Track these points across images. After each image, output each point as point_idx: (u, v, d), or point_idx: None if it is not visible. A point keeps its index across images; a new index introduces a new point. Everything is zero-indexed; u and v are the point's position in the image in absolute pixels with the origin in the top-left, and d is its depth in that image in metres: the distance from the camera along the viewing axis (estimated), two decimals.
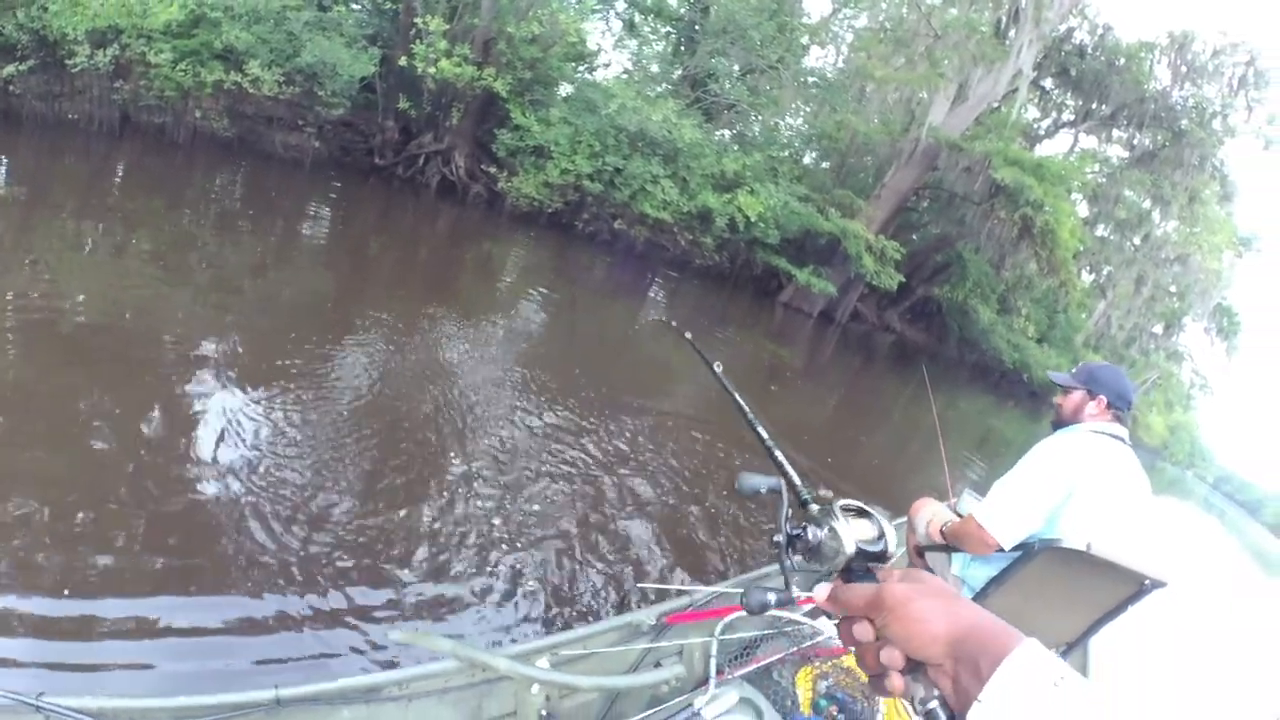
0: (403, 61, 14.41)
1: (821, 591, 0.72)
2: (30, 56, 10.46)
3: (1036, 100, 21.87)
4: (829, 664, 2.39)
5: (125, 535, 3.47)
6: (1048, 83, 21.26)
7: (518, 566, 4.18)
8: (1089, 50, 19.91)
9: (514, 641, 3.17)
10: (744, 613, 2.29)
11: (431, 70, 14.16)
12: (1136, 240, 22.60)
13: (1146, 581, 2.42)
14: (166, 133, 12.68)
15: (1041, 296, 24.64)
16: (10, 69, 10.25)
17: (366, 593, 3.59)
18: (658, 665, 2.53)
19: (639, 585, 4.45)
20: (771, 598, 0.82)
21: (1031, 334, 25.85)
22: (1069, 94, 21.33)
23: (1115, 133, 21.52)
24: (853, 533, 0.74)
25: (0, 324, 5.17)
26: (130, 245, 7.76)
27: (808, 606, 2.93)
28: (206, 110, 13.00)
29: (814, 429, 10.41)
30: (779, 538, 0.80)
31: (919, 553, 3.09)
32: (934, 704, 0.62)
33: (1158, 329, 27.76)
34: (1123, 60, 19.54)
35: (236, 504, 3.87)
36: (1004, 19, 17.81)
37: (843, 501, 0.78)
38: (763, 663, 2.42)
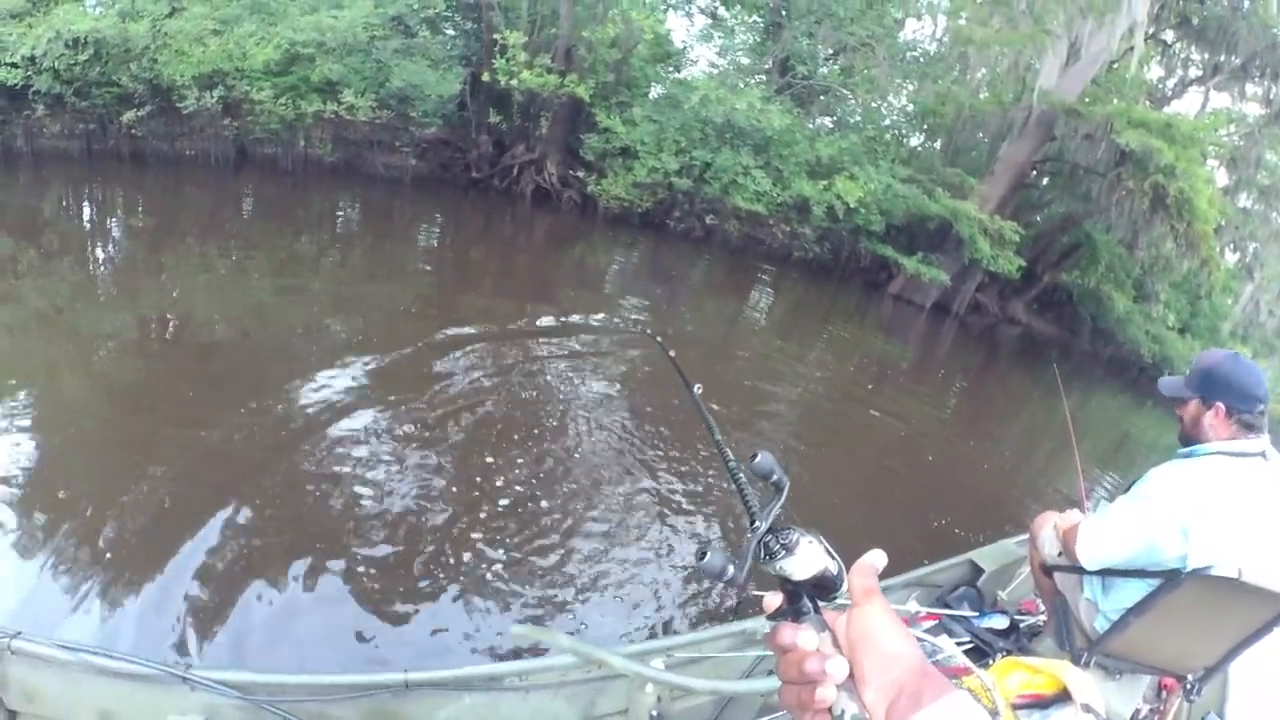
0: (485, 77, 14.99)
1: (772, 599, 0.75)
2: (147, 103, 11.74)
3: (1159, 56, 20.22)
4: (952, 682, 1.99)
5: (265, 523, 3.85)
6: (1168, 35, 19.58)
7: (636, 569, 4.31)
8: None
9: (631, 641, 3.38)
10: None
11: (514, 82, 14.67)
12: None
13: None
14: (278, 162, 13.75)
15: (1181, 280, 22.49)
16: (130, 114, 11.56)
17: (489, 588, 3.79)
18: (770, 673, 2.52)
19: (754, 592, 4.11)
20: (730, 570, 0.76)
21: (1172, 323, 23.62)
22: (1193, 46, 19.55)
23: (1249, 87, 19.54)
24: (823, 558, 0.74)
25: (142, 334, 5.81)
26: (249, 264, 8.50)
27: (927, 624, 3.10)
28: (311, 138, 14.09)
29: (925, 433, 9.78)
30: (760, 524, 0.78)
31: (1046, 572, 2.95)
32: None
33: None
34: (1247, 3, 17.73)
35: (370, 498, 4.22)
36: None
37: (818, 534, 0.78)
38: None
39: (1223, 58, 18.84)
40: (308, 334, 6.46)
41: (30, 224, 8.64)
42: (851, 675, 0.64)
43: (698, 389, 1.44)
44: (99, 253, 8.18)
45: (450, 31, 17.17)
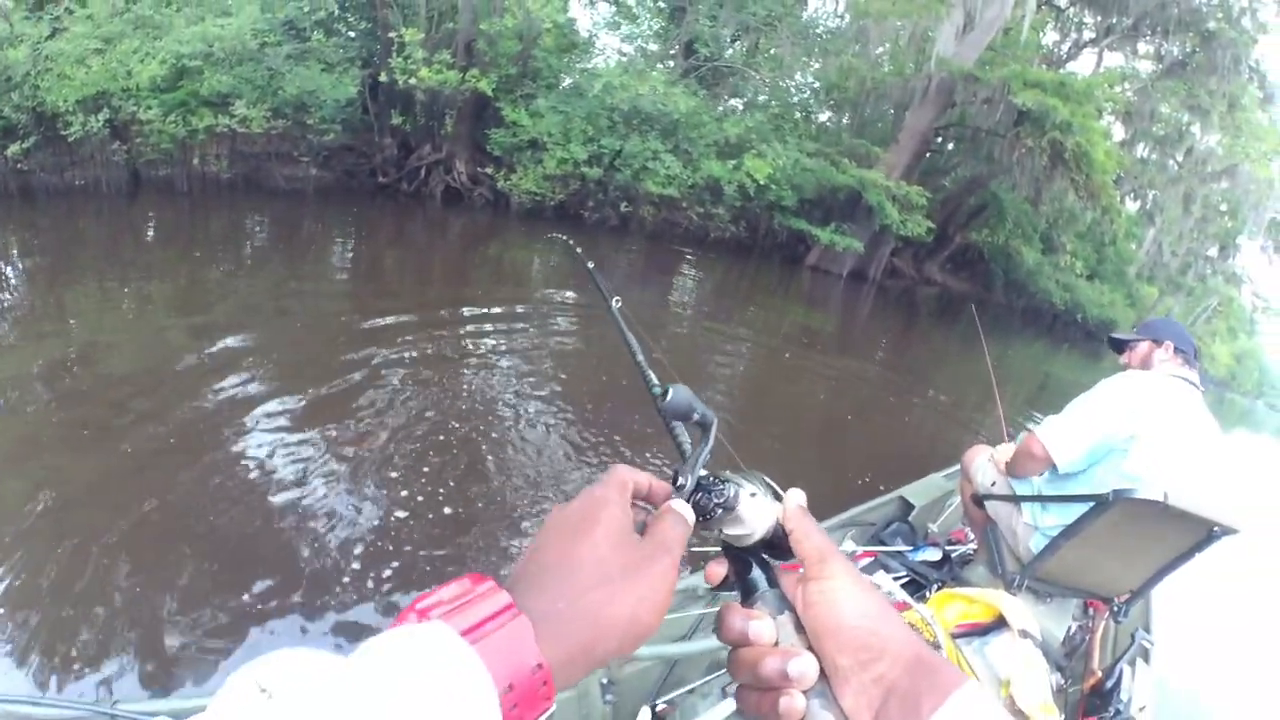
0: (382, 77, 14.81)
1: (715, 569, 0.62)
2: (31, 133, 11.17)
3: (1054, 21, 20.73)
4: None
5: (186, 553, 3.77)
6: (1062, 1, 19.99)
7: None
8: None
9: None
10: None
11: (413, 81, 14.52)
12: (1179, 157, 21.26)
13: (1215, 529, 2.37)
14: (173, 184, 13.28)
15: (1086, 230, 23.64)
16: (15, 148, 10.99)
17: (421, 582, 3.83)
18: (714, 631, 2.31)
19: (693, 550, 4.18)
20: (699, 415, 0.70)
21: (1080, 271, 24.59)
22: (1086, 10, 20.06)
23: (1141, 46, 20.32)
24: (772, 509, 0.61)
25: (46, 386, 5.57)
26: (153, 295, 8.24)
27: (864, 562, 3.03)
28: (206, 156, 13.62)
29: (850, 394, 10.15)
30: (685, 480, 0.62)
31: (976, 502, 3.09)
32: None
33: (1212, 252, 26.52)
34: None
35: (295, 517, 4.18)
36: None
37: (760, 474, 0.66)
38: None
39: (1115, 19, 19.39)
40: (221, 363, 6.28)
41: None
42: (823, 673, 0.50)
43: (616, 302, 1.29)
44: None
45: (350, 34, 16.84)
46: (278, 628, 3.40)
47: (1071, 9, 20.55)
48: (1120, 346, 3.05)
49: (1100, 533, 2.46)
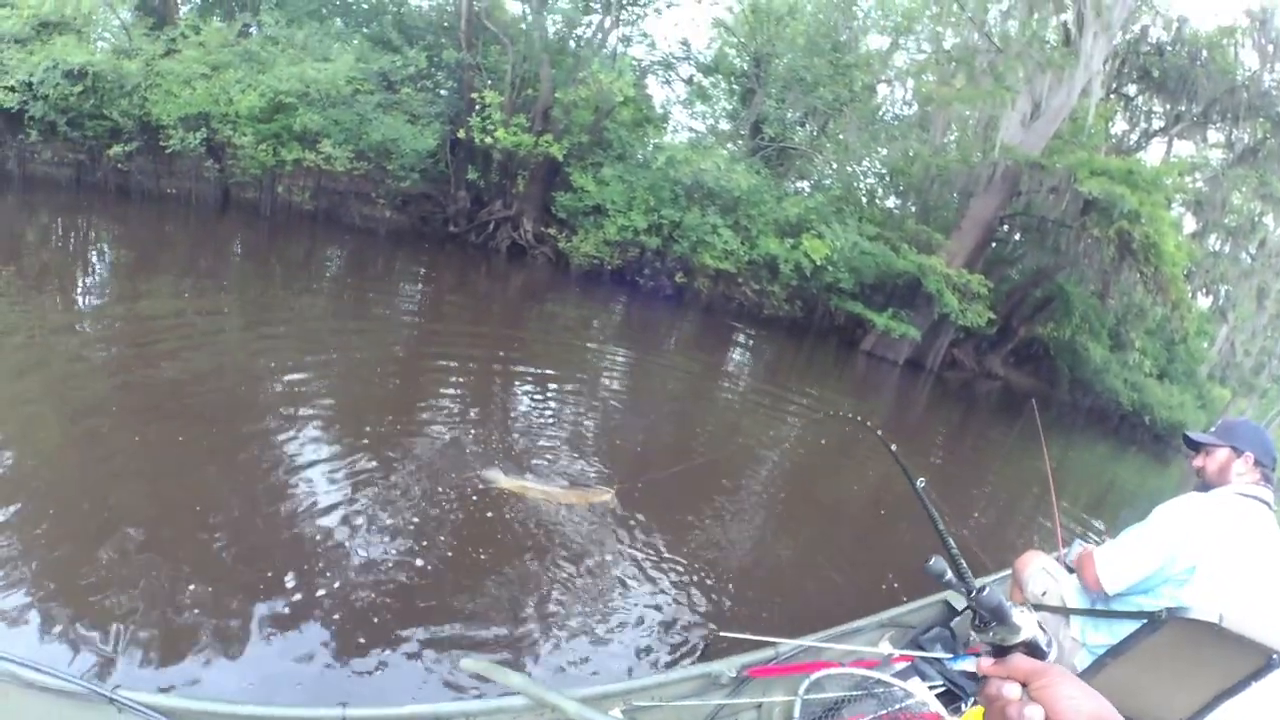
0: (462, 134, 15.68)
1: (985, 662, 0.80)
2: (135, 139, 12.28)
3: (1122, 110, 20.60)
4: None
5: (217, 552, 3.74)
6: (1131, 90, 20.03)
7: (595, 608, 4.20)
8: (1167, 47, 18.79)
9: (594, 679, 3.23)
10: (834, 669, 2.49)
11: (489, 140, 15.31)
12: (1252, 249, 20.62)
13: (1275, 656, 2.16)
14: (258, 207, 14.19)
15: (1155, 327, 22.78)
16: (117, 149, 12.12)
17: (441, 623, 3.66)
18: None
19: (720, 634, 4.09)
20: (950, 578, 1.05)
21: (1149, 370, 23.55)
22: (1155, 98, 20.07)
23: (1211, 134, 20.11)
24: (1035, 627, 0.92)
25: (106, 369, 5.75)
26: (223, 306, 8.50)
27: (899, 666, 2.99)
28: (291, 186, 14.62)
29: (899, 489, 9.43)
30: (975, 594, 0.97)
31: None
32: None
33: None
34: (1205, 51, 18.36)
35: (326, 533, 4.12)
36: (1068, 25, 16.55)
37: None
38: None
39: (1184, 107, 19.19)
40: (277, 376, 6.40)
41: (11, 247, 9.02)
42: None
43: (921, 483, 1.50)
44: (76, 281, 8.31)
45: (441, 92, 17.83)
46: (285, 641, 3.28)
47: (1140, 97, 20.38)
48: (1196, 446, 2.83)
49: (1150, 653, 2.29)
